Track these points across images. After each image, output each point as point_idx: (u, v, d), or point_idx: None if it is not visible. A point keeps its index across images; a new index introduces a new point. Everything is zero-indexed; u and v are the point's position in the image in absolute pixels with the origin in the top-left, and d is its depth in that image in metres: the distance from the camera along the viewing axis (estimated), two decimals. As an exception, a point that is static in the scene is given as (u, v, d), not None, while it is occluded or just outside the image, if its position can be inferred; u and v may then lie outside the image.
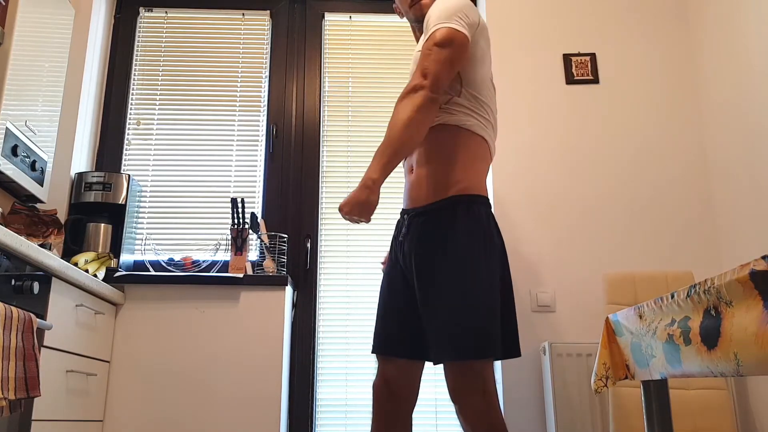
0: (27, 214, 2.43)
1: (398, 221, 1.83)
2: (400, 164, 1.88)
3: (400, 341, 1.72)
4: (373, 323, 2.09)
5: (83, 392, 2.13)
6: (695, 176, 2.86)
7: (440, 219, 1.67)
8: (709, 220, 2.80)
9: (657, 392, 1.78)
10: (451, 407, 2.70)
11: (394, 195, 2.93)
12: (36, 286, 1.73)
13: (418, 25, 1.90)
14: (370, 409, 1.81)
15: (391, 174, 1.62)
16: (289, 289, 2.54)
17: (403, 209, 1.81)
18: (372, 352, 1.78)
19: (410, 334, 1.72)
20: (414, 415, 2.67)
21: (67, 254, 2.55)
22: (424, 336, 1.72)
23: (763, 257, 1.00)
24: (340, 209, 1.60)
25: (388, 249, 1.92)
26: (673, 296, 1.37)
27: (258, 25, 3.17)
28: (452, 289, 1.59)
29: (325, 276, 2.86)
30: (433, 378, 2.73)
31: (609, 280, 2.52)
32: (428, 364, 2.80)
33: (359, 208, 1.57)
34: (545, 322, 2.69)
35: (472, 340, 1.53)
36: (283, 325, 2.45)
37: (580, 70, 2.98)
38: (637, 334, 1.61)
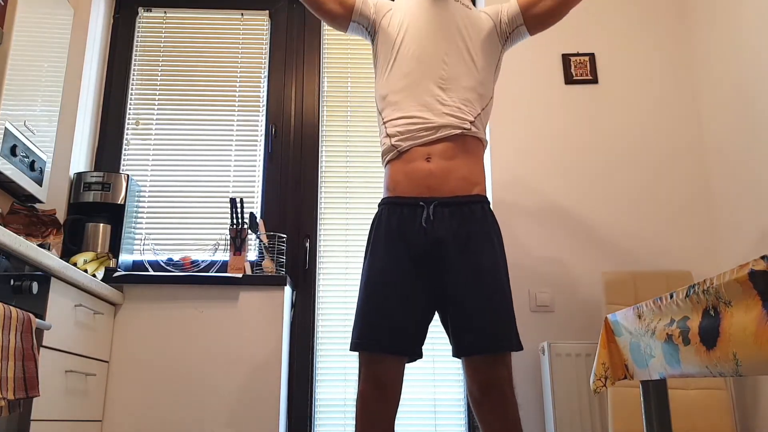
0: (26, 214, 2.43)
1: (400, 210, 1.74)
2: (392, 156, 1.83)
3: (403, 337, 1.65)
4: None
5: (82, 392, 2.13)
6: (694, 176, 2.86)
7: (476, 213, 1.72)
8: (708, 219, 2.80)
9: (656, 392, 1.78)
10: (449, 407, 2.70)
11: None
12: (35, 286, 1.73)
13: None
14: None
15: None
16: (288, 289, 2.54)
17: (411, 197, 1.73)
18: (363, 350, 1.66)
19: (413, 330, 1.68)
20: (413, 416, 2.68)
21: (66, 254, 2.55)
22: (423, 332, 1.71)
23: (762, 257, 1.00)
24: None
25: (373, 241, 1.79)
26: (672, 296, 1.37)
27: (257, 25, 3.17)
28: (504, 283, 1.69)
29: (324, 276, 2.86)
30: (432, 378, 2.73)
31: (608, 279, 2.52)
32: (422, 364, 2.78)
33: None
34: (544, 322, 2.69)
35: (516, 332, 1.67)
36: (282, 325, 2.44)
37: (579, 70, 2.98)
38: (636, 334, 1.61)
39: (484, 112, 1.83)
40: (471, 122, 1.78)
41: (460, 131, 1.76)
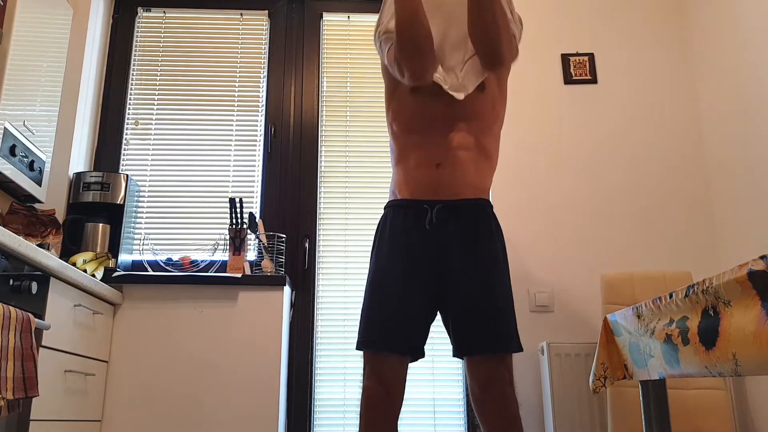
0: (25, 214, 2.43)
1: (404, 212, 1.75)
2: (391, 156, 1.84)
3: (406, 337, 1.68)
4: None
5: (81, 392, 2.13)
6: (693, 176, 2.86)
7: (480, 215, 1.73)
8: (708, 220, 2.80)
9: (655, 392, 1.78)
10: (448, 406, 2.70)
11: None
12: (34, 286, 1.73)
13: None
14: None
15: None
16: (287, 289, 2.54)
17: (415, 200, 1.74)
18: (368, 348, 1.68)
19: (416, 330, 1.70)
20: (412, 415, 2.68)
21: (66, 254, 2.54)
22: (425, 331, 1.72)
23: (762, 257, 1.00)
24: None
25: (378, 243, 1.80)
26: (671, 296, 1.37)
27: (256, 25, 3.17)
28: (506, 285, 1.71)
29: (324, 276, 2.86)
30: (431, 378, 2.73)
31: (607, 280, 2.52)
32: (421, 364, 2.78)
33: None
34: (543, 322, 2.69)
35: (517, 334, 1.70)
36: (282, 325, 2.44)
37: (578, 70, 2.99)
38: (636, 334, 1.61)
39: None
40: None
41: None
